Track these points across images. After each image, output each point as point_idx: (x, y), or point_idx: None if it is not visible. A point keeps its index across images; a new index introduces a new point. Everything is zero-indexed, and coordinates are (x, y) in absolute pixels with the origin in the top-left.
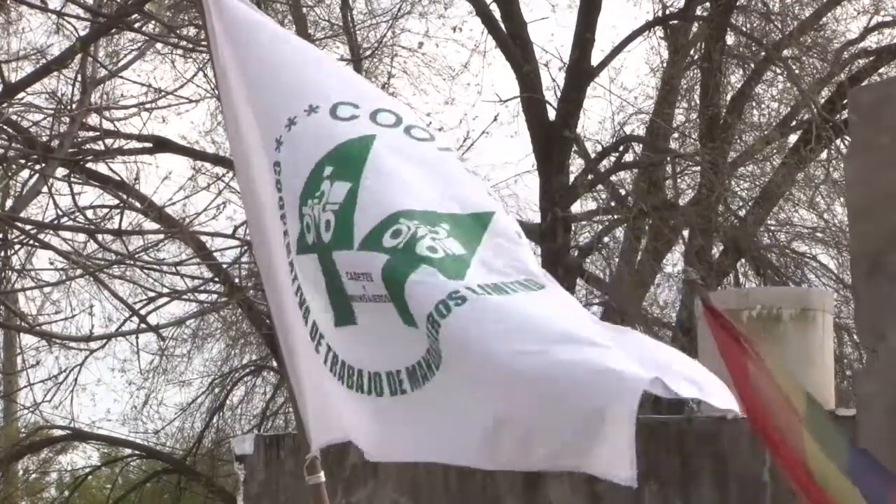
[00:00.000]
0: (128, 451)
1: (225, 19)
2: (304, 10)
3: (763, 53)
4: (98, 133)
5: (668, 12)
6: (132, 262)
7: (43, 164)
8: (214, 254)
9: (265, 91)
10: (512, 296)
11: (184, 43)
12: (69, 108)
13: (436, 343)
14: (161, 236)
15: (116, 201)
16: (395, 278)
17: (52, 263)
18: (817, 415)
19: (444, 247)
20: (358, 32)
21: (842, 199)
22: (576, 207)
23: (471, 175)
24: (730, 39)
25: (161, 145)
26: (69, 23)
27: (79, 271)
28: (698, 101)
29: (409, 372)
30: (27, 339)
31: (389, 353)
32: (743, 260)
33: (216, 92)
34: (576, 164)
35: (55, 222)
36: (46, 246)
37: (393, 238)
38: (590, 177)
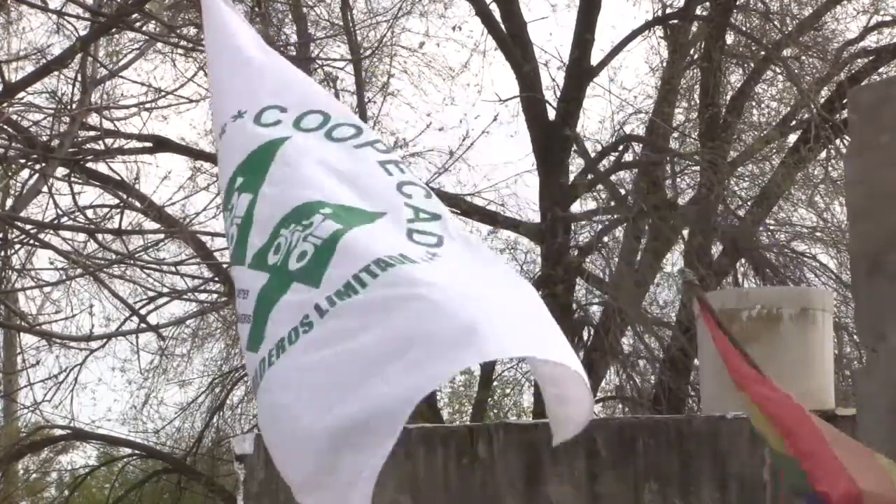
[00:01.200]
0: (128, 450)
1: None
2: (304, 9)
3: (763, 53)
4: (98, 133)
5: (667, 12)
6: (132, 262)
7: (43, 164)
8: (214, 254)
9: (216, 94)
10: (361, 295)
11: (184, 43)
12: (69, 107)
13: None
14: (161, 236)
15: (116, 201)
16: (266, 304)
17: (52, 263)
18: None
19: (314, 239)
20: (358, 32)
21: (841, 199)
22: (576, 207)
23: (382, 173)
24: (729, 39)
25: (161, 145)
26: (69, 23)
27: (79, 271)
28: (698, 101)
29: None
30: (27, 339)
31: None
32: (742, 259)
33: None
34: (576, 164)
35: (55, 222)
36: (46, 246)
37: (275, 254)
38: (589, 176)
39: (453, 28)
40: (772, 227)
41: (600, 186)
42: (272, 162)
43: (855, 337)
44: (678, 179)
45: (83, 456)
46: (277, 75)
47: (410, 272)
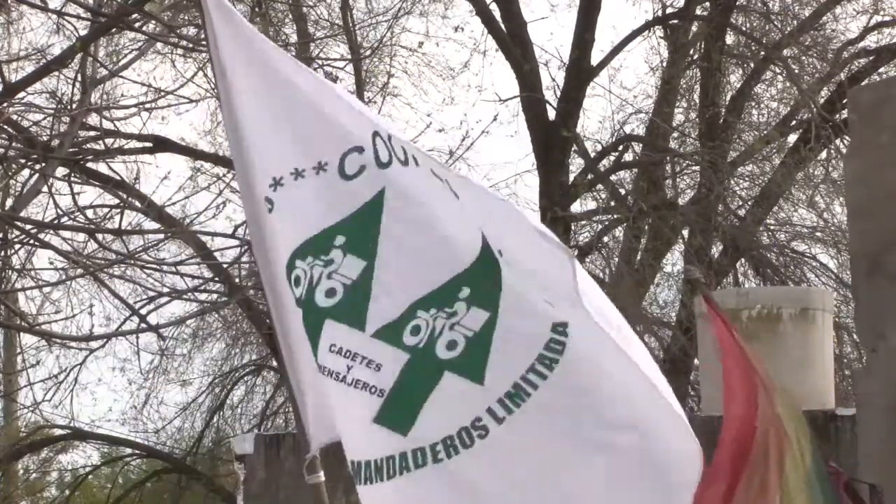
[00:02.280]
0: (128, 450)
1: (229, 20)
2: (304, 9)
3: (763, 53)
4: (98, 133)
5: (667, 12)
6: (132, 262)
7: (43, 164)
8: (214, 254)
9: (272, 121)
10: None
11: (184, 43)
12: (69, 107)
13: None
14: (161, 236)
15: (116, 201)
16: (414, 387)
17: (52, 263)
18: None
19: (464, 330)
20: (358, 32)
21: (841, 199)
22: (575, 207)
23: (451, 196)
24: (729, 39)
25: (161, 145)
26: (69, 23)
27: (79, 271)
28: (698, 101)
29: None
30: (27, 339)
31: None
32: (742, 259)
33: (216, 91)
34: (575, 164)
35: (55, 222)
36: (46, 245)
37: (413, 335)
38: (589, 176)
39: (455, 29)
40: (772, 227)
41: (600, 186)
42: (381, 224)
43: (855, 337)
44: (678, 179)
45: (83, 456)
46: (337, 108)
47: (569, 372)
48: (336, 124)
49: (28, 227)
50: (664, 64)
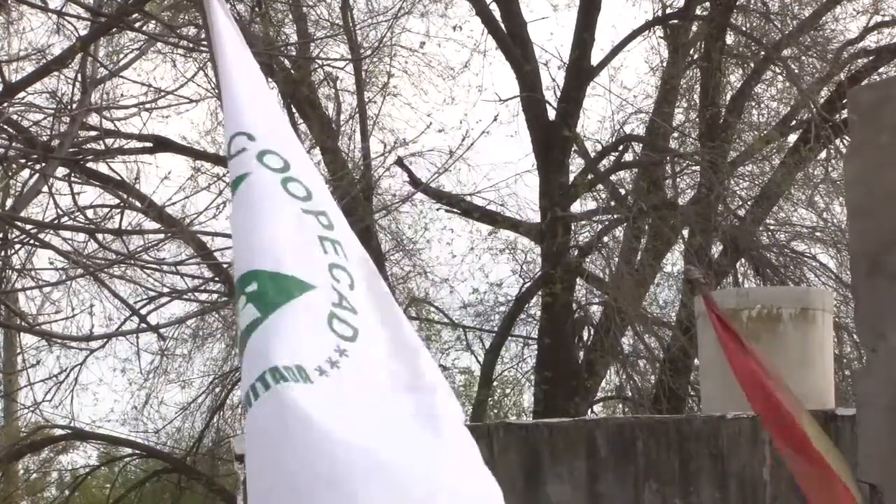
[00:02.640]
0: (128, 450)
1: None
2: (304, 9)
3: (763, 53)
4: (98, 133)
5: (667, 12)
6: (132, 262)
7: (43, 164)
8: (214, 254)
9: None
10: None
11: (184, 43)
12: (69, 107)
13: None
14: (161, 236)
15: (116, 201)
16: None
17: (52, 263)
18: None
19: (240, 318)
20: (358, 32)
21: (841, 199)
22: (575, 207)
23: (319, 249)
24: (729, 39)
25: (161, 145)
26: (69, 23)
27: (79, 271)
28: (698, 101)
29: None
30: (27, 339)
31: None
32: (742, 259)
33: (216, 91)
34: (575, 164)
35: (55, 222)
36: (46, 245)
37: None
38: (589, 176)
39: (454, 28)
40: (772, 227)
41: (600, 186)
42: (232, 202)
43: (855, 337)
44: (678, 179)
45: (83, 456)
46: (257, 99)
47: (296, 398)
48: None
49: (28, 227)
50: (664, 64)
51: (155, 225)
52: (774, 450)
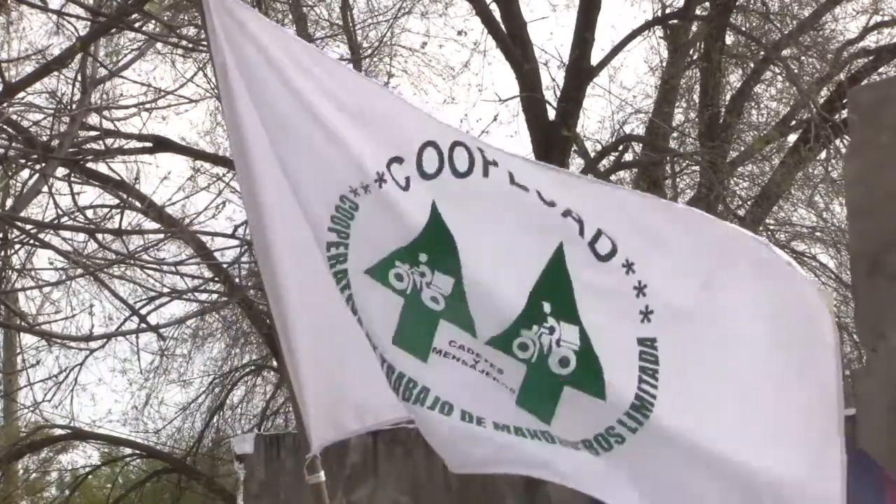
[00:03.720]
0: (128, 450)
1: (234, 19)
2: (304, 9)
3: (762, 53)
4: (98, 133)
5: (667, 12)
6: (132, 262)
7: (43, 164)
8: (214, 254)
9: (331, 127)
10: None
11: (184, 43)
12: (69, 107)
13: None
14: (161, 236)
15: (116, 201)
16: (541, 396)
17: (52, 263)
18: None
19: (569, 345)
20: (358, 32)
21: (841, 199)
22: None
23: (538, 203)
24: (729, 39)
25: (161, 145)
26: (69, 23)
27: (79, 271)
28: (698, 101)
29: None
30: (27, 339)
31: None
32: None
33: (216, 91)
34: (575, 164)
35: (55, 222)
36: (46, 246)
37: (522, 350)
38: (589, 176)
39: (459, 32)
40: (772, 227)
41: None
42: (455, 243)
43: (855, 337)
44: (678, 179)
45: (83, 456)
46: (371, 112)
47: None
48: (385, 131)
49: (28, 227)
50: (664, 64)
51: (155, 225)
52: None
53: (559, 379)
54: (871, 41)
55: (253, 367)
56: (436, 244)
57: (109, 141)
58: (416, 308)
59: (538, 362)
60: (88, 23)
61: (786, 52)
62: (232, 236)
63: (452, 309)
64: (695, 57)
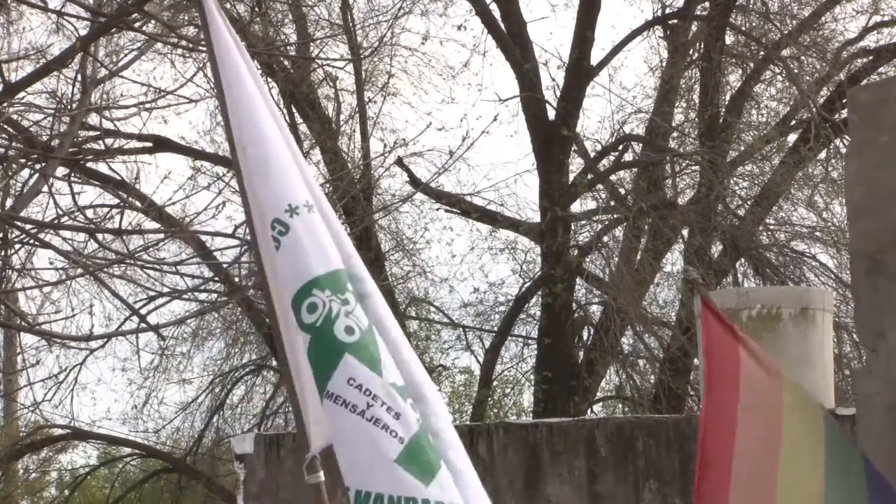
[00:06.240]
0: (128, 450)
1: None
2: (304, 9)
3: (762, 53)
4: (98, 133)
5: (667, 12)
6: (132, 262)
7: (43, 164)
8: (214, 253)
9: (283, 141)
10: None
11: (184, 43)
12: (69, 107)
13: None
14: (161, 236)
15: (116, 201)
16: (430, 450)
17: (52, 263)
18: (834, 432)
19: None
20: (358, 32)
21: (841, 199)
22: (575, 207)
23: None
24: (729, 39)
25: (161, 145)
26: (69, 22)
27: (79, 271)
28: (697, 101)
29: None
30: (27, 339)
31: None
32: (742, 259)
33: (216, 91)
34: (575, 164)
35: (55, 222)
36: (46, 245)
37: (414, 409)
38: (589, 176)
39: (458, 27)
40: (771, 227)
41: (600, 186)
42: (370, 295)
43: (855, 336)
44: (678, 179)
45: (83, 456)
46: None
47: None
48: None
49: (28, 227)
50: (664, 64)
51: (155, 225)
52: None
53: (445, 444)
54: (870, 41)
55: (253, 367)
56: (363, 281)
57: (109, 141)
58: (320, 344)
59: (423, 428)
60: (88, 23)
61: (786, 52)
62: (232, 236)
63: (365, 343)
64: (695, 57)
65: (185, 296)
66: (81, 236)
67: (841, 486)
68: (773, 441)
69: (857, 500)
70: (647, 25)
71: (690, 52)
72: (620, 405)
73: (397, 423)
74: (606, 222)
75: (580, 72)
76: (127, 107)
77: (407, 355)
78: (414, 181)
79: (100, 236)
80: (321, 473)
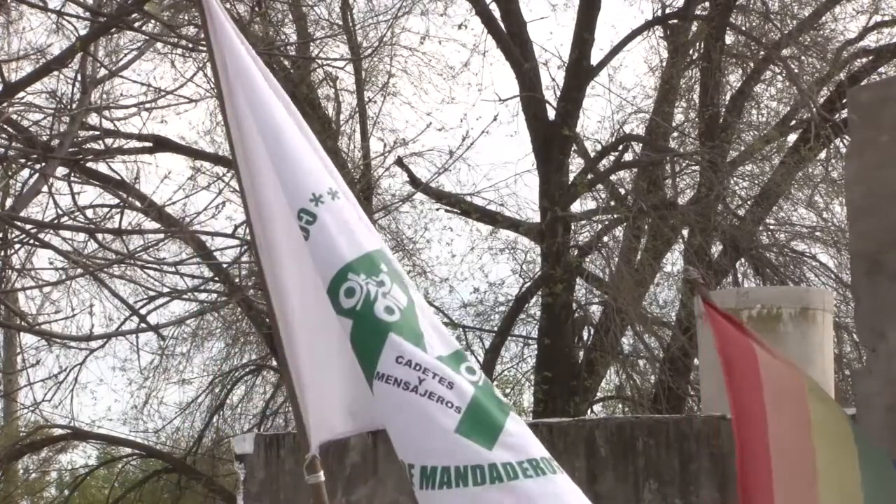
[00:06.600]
0: (128, 450)
1: (219, 25)
2: (304, 9)
3: (762, 53)
4: (98, 133)
5: (667, 11)
6: (132, 262)
7: (43, 164)
8: (214, 253)
9: (300, 135)
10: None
11: (184, 42)
12: (69, 107)
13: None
14: (161, 236)
15: (116, 201)
16: (488, 414)
17: (51, 263)
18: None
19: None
20: (358, 32)
21: (841, 199)
22: (575, 207)
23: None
24: (729, 39)
25: (161, 145)
26: (69, 22)
27: (79, 271)
28: (697, 101)
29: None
30: (27, 339)
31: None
32: (742, 259)
33: (216, 91)
34: (575, 164)
35: (55, 222)
36: (46, 245)
37: (469, 374)
38: (589, 176)
39: (459, 26)
40: (771, 227)
41: (600, 186)
42: (397, 273)
43: (855, 336)
44: (678, 179)
45: (83, 456)
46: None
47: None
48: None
49: (28, 227)
50: (664, 64)
51: (155, 225)
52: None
53: (504, 405)
54: (870, 41)
55: (253, 367)
56: (392, 261)
57: (109, 141)
58: (363, 326)
59: (485, 385)
60: (88, 23)
61: (786, 52)
62: (232, 236)
63: (407, 320)
64: (695, 57)
65: (185, 296)
66: (81, 236)
67: (870, 461)
68: (803, 424)
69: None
70: (647, 25)
71: (690, 52)
72: (620, 405)
73: (452, 392)
74: (606, 222)
75: (580, 72)
76: (127, 107)
77: (444, 329)
78: (414, 181)
79: (100, 236)
80: (321, 473)
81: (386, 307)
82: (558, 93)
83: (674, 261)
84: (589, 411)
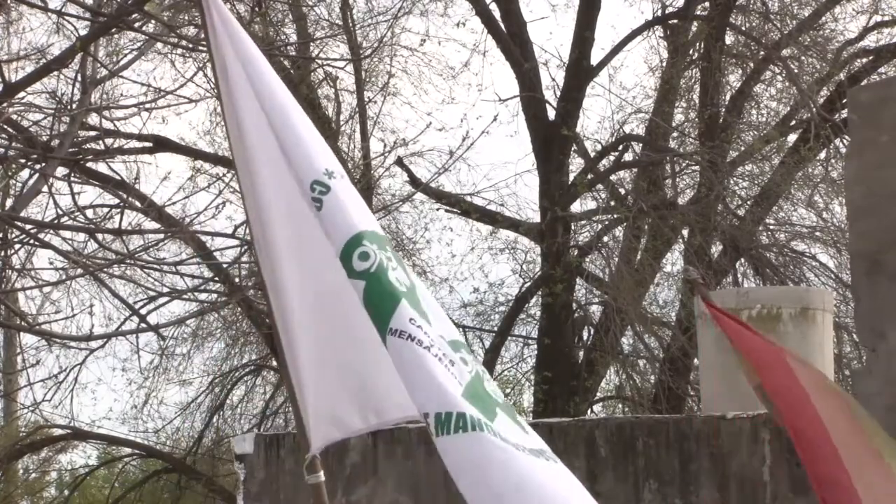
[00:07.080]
0: (128, 450)
1: (224, 19)
2: (304, 9)
3: (762, 53)
4: (98, 133)
5: (667, 12)
6: (132, 262)
7: (43, 164)
8: (214, 253)
9: (300, 121)
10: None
11: (184, 43)
12: (69, 107)
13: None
14: (161, 236)
15: (116, 201)
16: (487, 398)
17: (51, 263)
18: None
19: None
20: (358, 32)
21: (841, 199)
22: (575, 207)
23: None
24: (729, 39)
25: (161, 145)
26: (69, 22)
27: (79, 271)
28: (697, 101)
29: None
30: (27, 339)
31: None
32: (742, 259)
33: (216, 91)
34: (575, 164)
35: (55, 222)
36: (46, 245)
37: (465, 364)
38: (589, 176)
39: (458, 24)
40: (771, 227)
41: (600, 186)
42: (399, 258)
43: (855, 336)
44: (678, 179)
45: (83, 456)
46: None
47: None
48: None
49: (28, 227)
50: (664, 64)
51: (155, 225)
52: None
53: (496, 402)
54: (870, 41)
55: (253, 367)
56: (391, 246)
57: (109, 141)
58: (377, 287)
59: (482, 374)
60: (88, 23)
61: (786, 52)
62: (232, 236)
63: (412, 297)
64: (695, 57)
65: (185, 296)
66: (81, 236)
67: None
68: (845, 408)
69: None
70: (647, 25)
71: (690, 52)
72: (620, 405)
73: (454, 368)
74: (606, 222)
75: (580, 72)
76: (127, 107)
77: (444, 314)
78: (414, 181)
79: (100, 236)
80: (321, 473)
81: (396, 278)
82: (558, 93)
83: (674, 261)
84: (589, 411)
